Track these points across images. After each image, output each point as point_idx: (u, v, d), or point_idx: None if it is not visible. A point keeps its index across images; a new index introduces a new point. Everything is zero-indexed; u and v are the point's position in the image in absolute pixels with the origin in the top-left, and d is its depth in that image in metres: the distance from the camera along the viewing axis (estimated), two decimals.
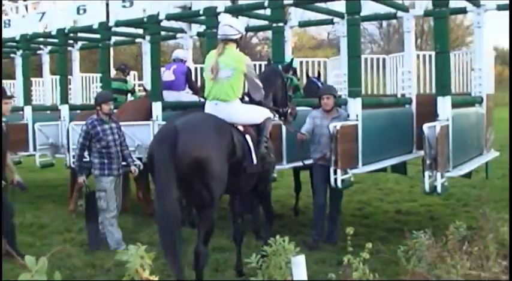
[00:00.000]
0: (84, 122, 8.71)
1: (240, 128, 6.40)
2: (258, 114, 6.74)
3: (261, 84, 6.82)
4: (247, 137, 6.38)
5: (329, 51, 37.48)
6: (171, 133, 5.70)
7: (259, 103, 6.90)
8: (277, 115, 7.42)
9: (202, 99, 10.50)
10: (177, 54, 11.11)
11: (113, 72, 12.10)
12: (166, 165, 5.53)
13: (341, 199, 8.72)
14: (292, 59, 8.98)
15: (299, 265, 2.70)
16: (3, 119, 7.72)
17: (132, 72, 14.81)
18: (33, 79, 16.96)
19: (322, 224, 8.26)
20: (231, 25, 6.59)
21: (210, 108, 6.55)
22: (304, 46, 44.60)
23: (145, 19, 9.80)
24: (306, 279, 2.72)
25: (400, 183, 13.15)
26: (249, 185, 6.65)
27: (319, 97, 8.30)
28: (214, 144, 5.82)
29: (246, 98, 6.92)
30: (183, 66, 10.82)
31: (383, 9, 9.92)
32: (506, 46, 63.61)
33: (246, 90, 6.99)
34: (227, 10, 9.06)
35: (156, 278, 2.66)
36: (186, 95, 10.76)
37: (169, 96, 10.15)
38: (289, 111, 7.45)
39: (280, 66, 7.93)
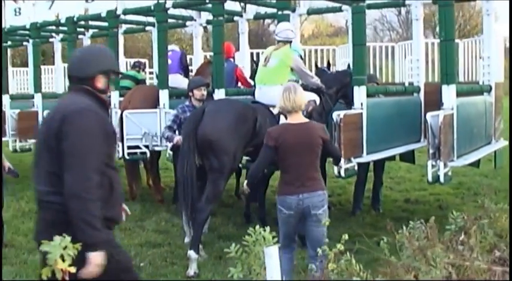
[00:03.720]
0: None
1: (275, 110, 7.11)
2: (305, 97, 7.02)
3: (310, 73, 8.20)
4: (281, 118, 7.00)
5: (347, 39, 37.27)
6: (198, 115, 7.16)
7: (317, 90, 8.13)
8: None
9: None
10: (170, 48, 11.28)
11: (123, 60, 12.17)
12: (189, 140, 7.04)
13: (383, 171, 10.02)
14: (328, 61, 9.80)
15: (271, 255, 2.70)
16: None
17: (143, 60, 14.88)
18: (46, 66, 17.15)
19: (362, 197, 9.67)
20: (292, 30, 8.21)
21: (256, 91, 8.13)
22: (322, 33, 44.41)
23: (152, 7, 9.81)
24: (279, 270, 2.72)
25: (412, 172, 13.07)
26: None
27: None
28: (228, 128, 7.09)
29: None
30: (178, 52, 11.36)
31: None
32: None
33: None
34: None
35: (74, 270, 2.67)
36: (182, 79, 10.83)
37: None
38: None
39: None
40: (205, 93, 8.42)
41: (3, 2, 12.71)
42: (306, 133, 5.53)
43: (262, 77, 8.00)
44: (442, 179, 7.11)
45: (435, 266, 2.96)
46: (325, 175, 8.30)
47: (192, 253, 6.89)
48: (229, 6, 10.21)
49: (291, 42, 8.16)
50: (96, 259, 3.50)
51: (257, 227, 3.20)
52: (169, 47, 11.33)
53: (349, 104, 8.18)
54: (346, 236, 3.24)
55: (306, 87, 7.60)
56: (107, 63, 3.91)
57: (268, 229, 3.23)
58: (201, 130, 7.02)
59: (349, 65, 8.88)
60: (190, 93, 8.33)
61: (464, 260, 3.26)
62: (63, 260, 2.72)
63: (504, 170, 12.23)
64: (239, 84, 10.35)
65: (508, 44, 10.18)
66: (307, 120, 5.79)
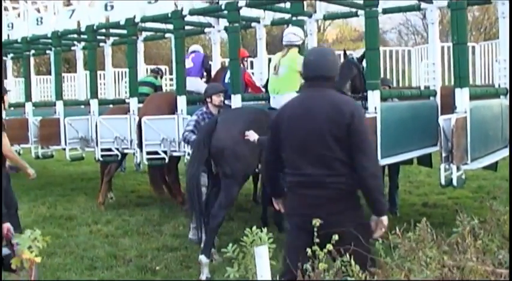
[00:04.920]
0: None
1: None
2: None
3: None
4: None
5: None
6: (211, 124, 7.37)
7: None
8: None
9: None
10: (194, 48, 11.57)
11: (143, 67, 12.34)
12: (200, 148, 7.21)
13: (398, 175, 10.20)
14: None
15: (262, 255, 2.75)
16: None
17: (162, 67, 15.07)
18: (68, 74, 17.41)
19: None
20: (295, 33, 8.09)
21: (271, 100, 8.26)
22: (346, 38, 44.29)
23: (169, 14, 9.92)
24: (269, 270, 2.78)
25: (431, 176, 12.98)
26: None
27: None
28: (240, 135, 7.08)
29: None
30: (201, 55, 11.37)
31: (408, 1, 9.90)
32: None
33: None
34: (248, 4, 9.11)
35: (38, 260, 2.85)
36: (202, 83, 10.92)
37: (188, 82, 10.15)
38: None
39: (355, 58, 8.58)
40: (223, 99, 8.48)
41: (26, 12, 12.97)
42: None
43: (274, 86, 8.10)
44: (455, 182, 7.10)
45: (426, 267, 2.99)
46: None
47: (203, 258, 6.99)
48: (247, 12, 10.28)
49: (297, 46, 8.14)
50: (386, 221, 4.38)
51: (254, 228, 3.26)
52: (192, 48, 11.48)
53: (362, 98, 8.02)
54: (336, 237, 3.29)
55: None
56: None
57: (265, 230, 3.28)
58: (214, 139, 7.21)
59: (345, 51, 8.67)
60: (208, 99, 8.30)
61: (458, 261, 3.28)
62: (31, 252, 2.88)
63: None
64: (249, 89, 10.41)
65: None
66: None
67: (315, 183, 4.28)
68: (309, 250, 3.36)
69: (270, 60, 12.13)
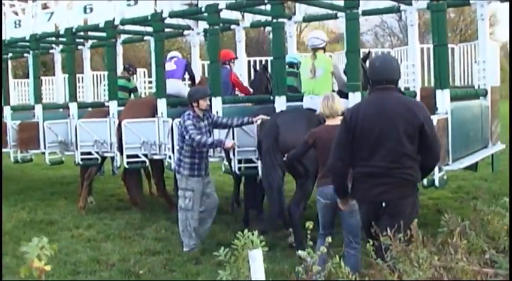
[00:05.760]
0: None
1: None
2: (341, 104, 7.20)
3: (345, 79, 8.14)
4: None
5: None
6: (274, 128, 7.74)
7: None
8: None
9: None
10: (173, 54, 11.42)
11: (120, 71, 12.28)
12: (271, 152, 7.66)
13: None
14: (368, 53, 9.81)
15: (255, 258, 2.75)
16: None
17: (141, 70, 15.01)
18: (47, 77, 17.26)
19: None
20: (317, 37, 8.39)
21: (307, 101, 8.37)
22: None
23: (149, 17, 9.89)
24: (263, 273, 2.77)
25: None
26: None
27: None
28: (304, 134, 7.06)
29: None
30: (183, 60, 11.32)
31: (387, 3, 9.93)
32: None
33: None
34: (229, 7, 9.11)
35: (48, 268, 2.82)
36: (184, 86, 10.91)
37: (169, 83, 10.13)
38: None
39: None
40: (209, 103, 8.42)
41: (3, 15, 12.83)
42: None
43: (312, 88, 8.30)
44: (437, 182, 7.16)
45: (419, 268, 3.01)
46: None
47: (301, 253, 7.03)
48: (226, 15, 10.27)
49: (323, 48, 8.41)
50: None
51: (245, 231, 3.25)
52: (172, 54, 11.43)
53: None
54: (329, 239, 3.30)
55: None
56: None
57: (256, 233, 3.28)
58: (282, 142, 7.61)
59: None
60: (195, 104, 8.11)
61: (448, 262, 3.30)
62: (40, 260, 2.84)
63: (503, 173, 12.25)
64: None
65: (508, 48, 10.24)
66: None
67: (384, 173, 5.00)
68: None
69: (250, 62, 12.25)
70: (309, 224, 3.48)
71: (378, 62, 5.36)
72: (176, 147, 8.42)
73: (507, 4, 8.98)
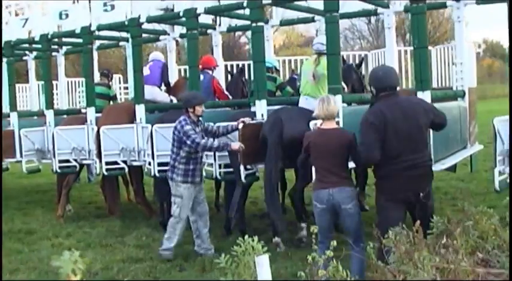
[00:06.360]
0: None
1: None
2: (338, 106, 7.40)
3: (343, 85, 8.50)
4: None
5: None
6: (279, 124, 8.02)
7: None
8: None
9: (173, 98, 10.66)
10: (154, 56, 11.33)
11: (98, 77, 12.17)
12: (276, 146, 7.96)
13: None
14: (362, 58, 10.36)
15: (263, 264, 2.73)
16: None
17: (116, 76, 14.90)
18: (20, 85, 17.03)
19: None
20: (322, 43, 8.45)
21: (302, 101, 8.67)
22: (293, 44, 44.63)
23: (126, 22, 9.82)
24: (270, 278, 2.75)
25: None
26: None
27: None
28: (307, 128, 7.37)
29: None
30: (159, 63, 11.09)
31: (364, 6, 9.98)
32: (496, 39, 63.88)
33: None
34: (207, 11, 9.09)
35: None
36: (159, 92, 10.83)
37: (144, 90, 10.04)
38: None
39: (353, 64, 9.96)
40: (204, 109, 8.24)
41: None
42: (335, 138, 6.22)
43: (310, 90, 8.64)
44: None
45: (423, 269, 3.01)
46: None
47: (302, 225, 8.46)
48: (202, 19, 10.24)
49: (325, 53, 8.33)
50: None
51: (246, 237, 3.22)
52: (153, 55, 11.35)
53: None
54: (334, 243, 3.29)
55: None
56: None
57: (256, 238, 3.26)
58: (288, 134, 7.90)
59: (344, 61, 9.42)
60: (191, 109, 7.98)
61: (449, 263, 3.31)
62: (75, 275, 2.77)
63: (479, 174, 12.40)
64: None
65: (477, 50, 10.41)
66: (337, 126, 6.53)
67: (417, 165, 5.78)
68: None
69: (226, 66, 12.22)
70: (314, 228, 3.46)
71: (381, 72, 6.19)
72: (160, 152, 8.39)
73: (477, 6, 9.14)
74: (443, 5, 9.56)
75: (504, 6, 8.96)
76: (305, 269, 3.23)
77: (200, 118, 8.15)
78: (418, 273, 3.02)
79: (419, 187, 5.85)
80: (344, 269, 3.46)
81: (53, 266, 7.04)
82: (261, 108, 8.54)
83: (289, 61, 12.66)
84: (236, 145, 7.96)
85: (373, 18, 45.13)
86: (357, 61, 11.98)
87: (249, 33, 40.85)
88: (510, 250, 3.92)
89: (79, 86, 15.15)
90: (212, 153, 8.45)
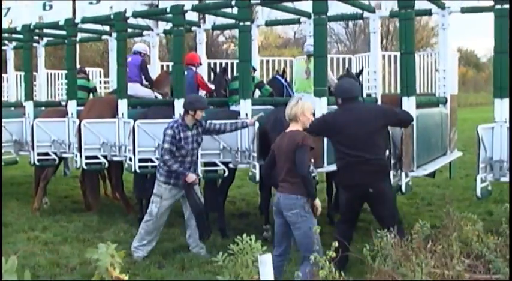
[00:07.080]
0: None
1: None
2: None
3: (335, 81, 9.16)
4: None
5: (295, 50, 37.48)
6: (280, 122, 7.46)
7: None
8: None
9: (157, 94, 10.59)
10: (136, 48, 11.26)
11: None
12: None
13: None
14: (362, 69, 10.54)
15: (266, 263, 2.72)
16: None
17: (97, 70, 14.80)
18: None
19: None
20: (312, 45, 8.40)
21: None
22: (271, 45, 44.64)
23: (112, 16, 9.74)
24: (273, 278, 2.74)
25: None
26: None
27: None
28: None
29: None
30: (138, 59, 10.92)
31: (349, 9, 10.02)
32: (470, 48, 64.70)
33: None
34: (194, 8, 9.06)
35: (126, 277, 2.65)
36: (141, 88, 10.75)
37: None
38: None
39: (353, 73, 10.37)
40: (204, 114, 8.00)
41: None
42: (286, 141, 6.05)
43: (304, 87, 9.38)
44: (404, 188, 7.24)
45: (421, 272, 3.03)
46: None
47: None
48: (187, 16, 10.20)
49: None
50: None
51: (244, 235, 3.21)
52: (135, 47, 11.28)
53: None
54: (336, 244, 3.29)
55: None
56: None
57: (254, 237, 3.24)
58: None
59: (347, 70, 10.15)
60: (192, 112, 7.75)
61: (444, 266, 3.34)
62: (114, 268, 2.70)
63: (455, 180, 12.52)
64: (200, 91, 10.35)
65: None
66: (295, 128, 6.14)
67: (366, 161, 6.47)
68: None
69: (210, 64, 12.18)
70: (316, 228, 3.46)
71: (346, 84, 7.20)
72: (141, 148, 8.41)
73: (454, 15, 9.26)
74: (429, 12, 9.62)
75: (482, 16, 9.10)
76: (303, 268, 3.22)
77: (198, 121, 7.92)
78: (415, 276, 3.04)
79: (368, 181, 6.48)
80: (337, 271, 3.45)
81: (36, 260, 7.02)
82: (246, 108, 8.50)
83: (267, 62, 12.61)
84: (192, 178, 7.67)
85: (350, 23, 45.47)
86: (340, 65, 12.13)
87: (227, 32, 41.09)
88: (510, 252, 3.96)
89: (58, 79, 14.97)
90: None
